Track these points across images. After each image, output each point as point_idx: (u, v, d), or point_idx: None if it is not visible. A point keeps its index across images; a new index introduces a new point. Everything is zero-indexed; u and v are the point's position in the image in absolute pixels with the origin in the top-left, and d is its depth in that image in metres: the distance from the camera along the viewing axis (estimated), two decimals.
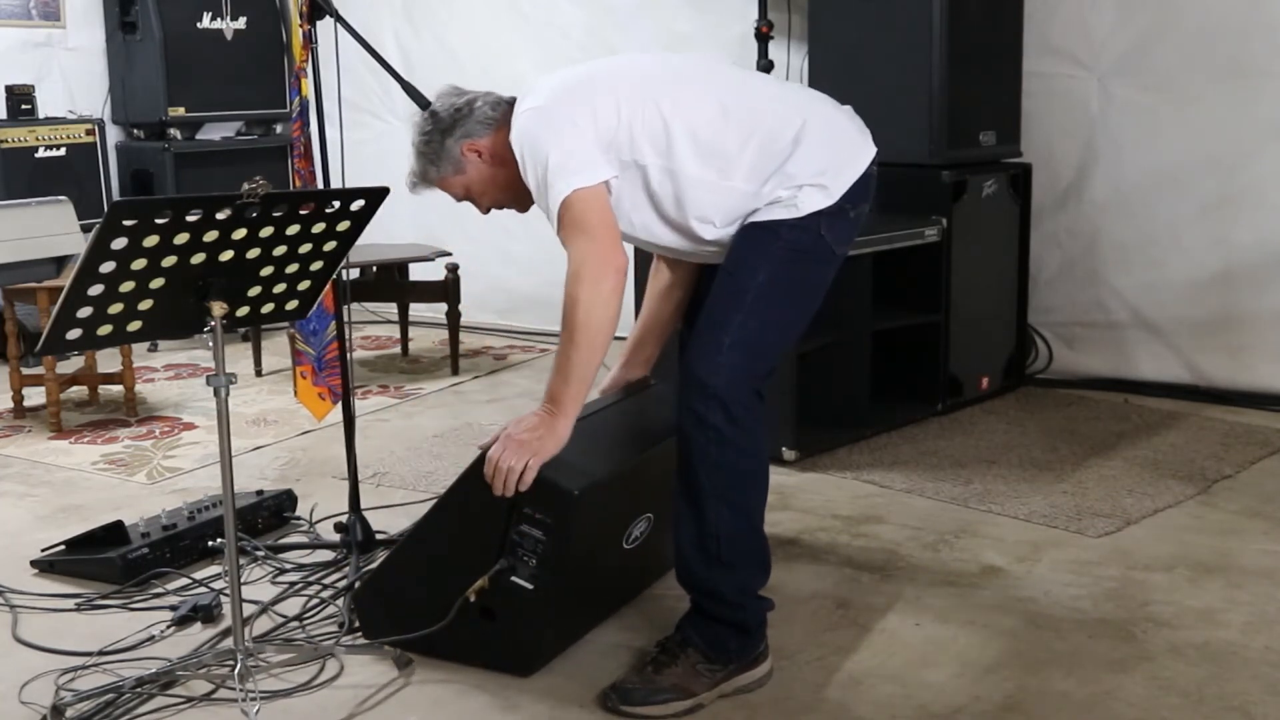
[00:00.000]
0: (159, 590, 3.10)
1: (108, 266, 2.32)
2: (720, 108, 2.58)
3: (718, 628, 2.59)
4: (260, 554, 3.28)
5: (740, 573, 2.59)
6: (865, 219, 2.71)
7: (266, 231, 2.50)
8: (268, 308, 2.66)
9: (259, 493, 3.59)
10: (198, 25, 6.17)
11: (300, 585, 3.12)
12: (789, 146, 2.57)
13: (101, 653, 2.76)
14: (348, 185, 2.77)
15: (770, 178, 2.57)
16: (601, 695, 2.55)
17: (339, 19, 3.25)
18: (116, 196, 6.10)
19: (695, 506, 2.56)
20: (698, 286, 2.90)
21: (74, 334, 2.40)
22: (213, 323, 2.50)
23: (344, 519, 3.34)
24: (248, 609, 2.90)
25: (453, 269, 5.28)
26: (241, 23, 6.31)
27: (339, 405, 3.41)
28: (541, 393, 2.71)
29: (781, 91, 2.74)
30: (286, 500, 3.60)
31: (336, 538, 3.34)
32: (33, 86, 5.91)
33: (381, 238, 5.24)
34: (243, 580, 2.95)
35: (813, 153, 2.58)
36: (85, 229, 4.78)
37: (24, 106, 5.83)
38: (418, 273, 5.63)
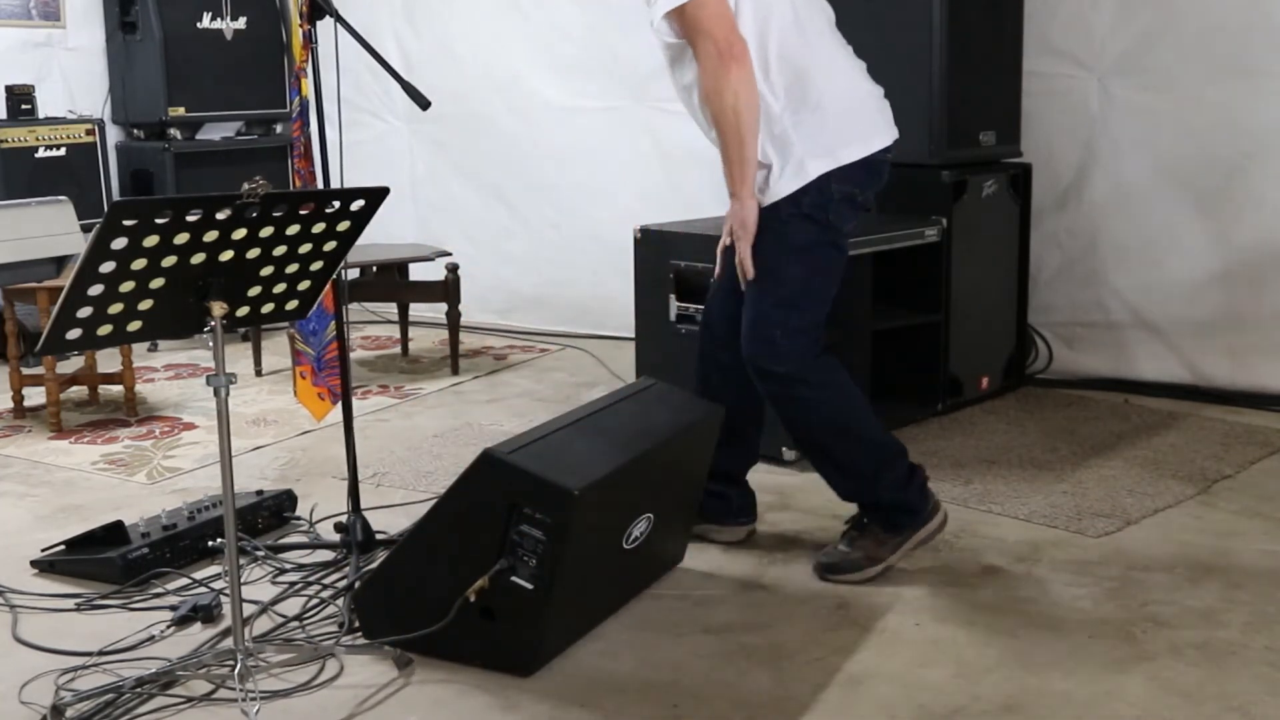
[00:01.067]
0: (159, 590, 3.10)
1: (108, 266, 2.32)
2: (792, 22, 2.94)
3: (888, 512, 3.11)
4: (260, 554, 3.28)
5: (885, 474, 3.10)
6: (870, 204, 3.06)
7: (266, 231, 2.50)
8: (268, 308, 2.66)
9: (259, 493, 3.59)
10: (197, 25, 6.18)
11: (300, 585, 3.12)
12: (813, 104, 2.93)
13: (101, 653, 2.76)
14: (348, 185, 2.77)
15: (788, 114, 2.91)
16: (814, 567, 3.13)
17: (339, 19, 3.25)
18: (116, 196, 6.10)
19: (824, 454, 3.11)
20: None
21: (74, 334, 2.40)
22: (213, 323, 2.50)
23: (344, 519, 3.34)
24: (248, 609, 2.90)
25: (453, 269, 5.28)
26: (241, 23, 6.31)
27: (339, 405, 3.41)
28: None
29: (837, 53, 3.09)
30: (286, 500, 3.60)
31: (336, 538, 3.34)
32: (33, 86, 5.91)
33: (381, 238, 5.25)
34: (243, 580, 2.95)
35: (826, 118, 2.95)
36: (85, 229, 4.79)
37: (24, 106, 5.83)
38: (417, 273, 5.63)
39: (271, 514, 3.53)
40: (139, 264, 2.35)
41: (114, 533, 3.23)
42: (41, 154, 5.80)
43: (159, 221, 2.32)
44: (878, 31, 4.56)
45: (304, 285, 2.69)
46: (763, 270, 3.01)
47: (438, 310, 5.51)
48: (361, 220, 2.65)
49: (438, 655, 2.69)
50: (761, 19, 2.92)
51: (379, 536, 3.31)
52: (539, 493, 2.53)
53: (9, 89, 5.82)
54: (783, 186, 2.97)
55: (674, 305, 4.15)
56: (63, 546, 3.25)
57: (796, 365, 3.03)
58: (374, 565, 3.01)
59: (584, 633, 2.83)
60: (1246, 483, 3.81)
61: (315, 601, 3.02)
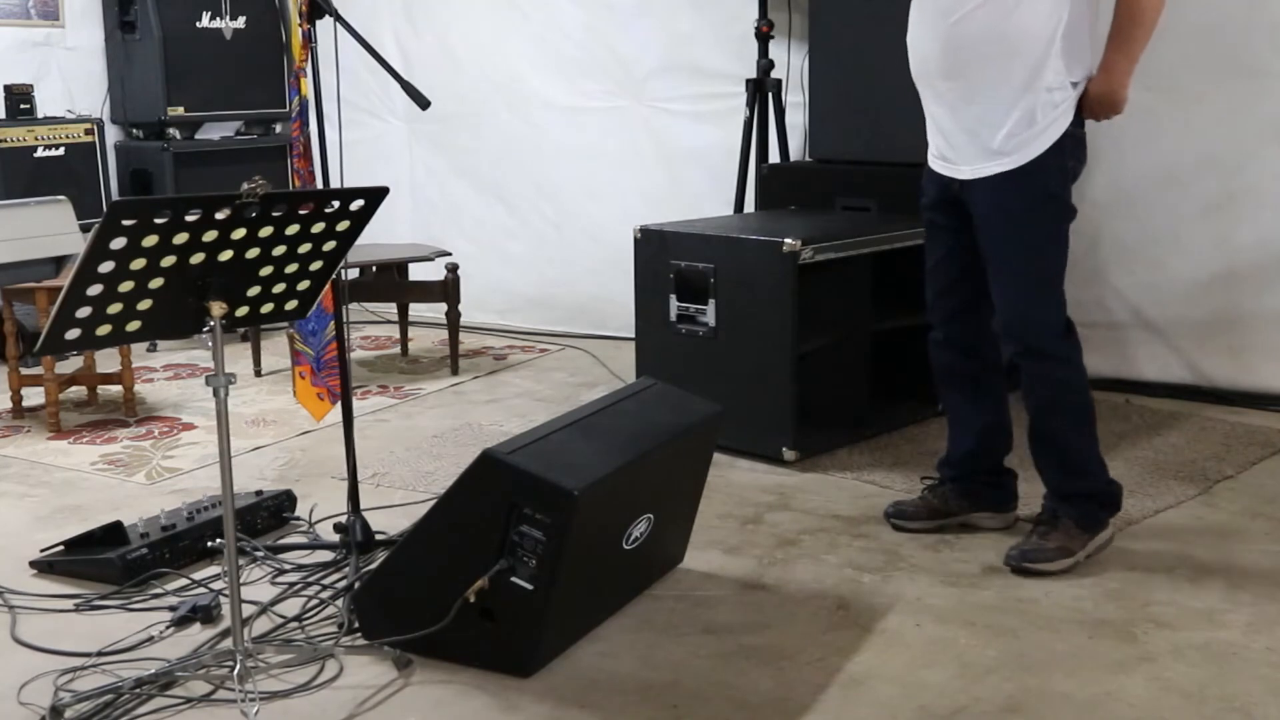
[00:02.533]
0: (158, 591, 3.09)
1: (106, 266, 2.32)
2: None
3: (1089, 506, 3.20)
4: (259, 554, 3.28)
5: (1097, 465, 3.23)
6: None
7: (266, 231, 2.49)
8: (267, 308, 2.66)
9: (258, 493, 3.58)
10: (197, 25, 6.17)
11: (300, 586, 3.11)
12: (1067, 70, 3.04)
13: (100, 653, 2.76)
14: (347, 185, 2.76)
15: (1067, 54, 3.01)
16: (1007, 557, 3.16)
17: (339, 19, 3.25)
18: (116, 196, 6.10)
19: (1054, 441, 3.19)
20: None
21: (73, 334, 2.39)
22: (212, 323, 2.49)
23: (343, 519, 3.34)
24: (247, 609, 2.89)
25: (452, 269, 5.28)
26: (241, 22, 6.30)
27: (338, 405, 3.41)
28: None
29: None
30: (286, 500, 3.59)
31: (336, 538, 3.34)
32: (32, 86, 5.90)
33: (381, 237, 5.25)
34: (242, 581, 2.95)
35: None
36: (84, 229, 4.78)
37: (23, 106, 5.82)
38: (417, 273, 5.62)
39: (271, 514, 3.52)
40: (138, 264, 2.34)
41: (113, 533, 3.23)
42: (40, 154, 5.79)
43: (158, 221, 2.31)
44: (878, 31, 4.56)
45: (303, 285, 2.69)
46: (1027, 244, 3.10)
47: (437, 310, 5.50)
48: (361, 220, 2.65)
49: (437, 655, 2.69)
50: None
51: (379, 537, 3.30)
52: (539, 493, 2.53)
53: (8, 88, 5.81)
54: (1048, 112, 3.04)
55: (674, 305, 4.15)
56: (62, 547, 3.25)
57: (1064, 344, 3.13)
58: (373, 566, 3.01)
59: (584, 633, 2.82)
60: (1248, 483, 3.80)
61: (315, 602, 3.01)
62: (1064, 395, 3.16)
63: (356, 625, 2.82)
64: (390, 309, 6.05)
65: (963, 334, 3.34)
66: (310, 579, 3.14)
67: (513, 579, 2.57)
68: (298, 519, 3.59)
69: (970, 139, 3.11)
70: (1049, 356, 3.14)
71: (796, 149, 5.27)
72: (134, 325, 2.46)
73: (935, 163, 3.27)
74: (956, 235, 3.25)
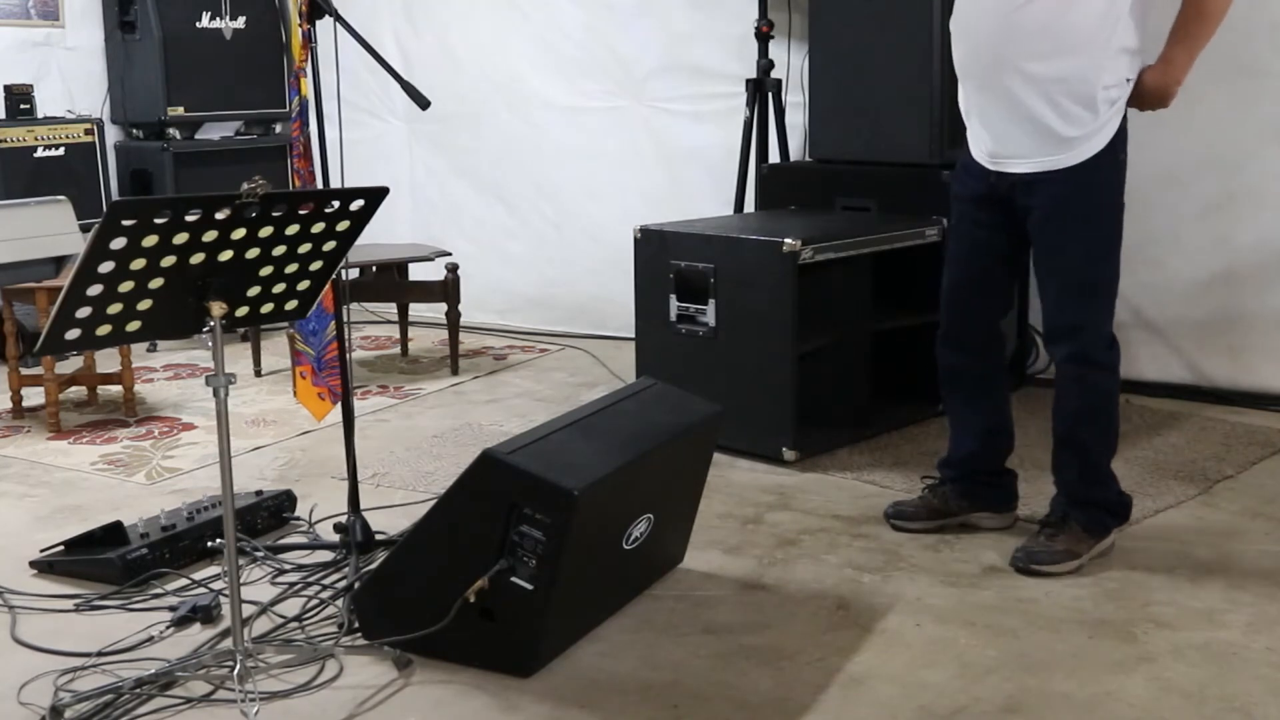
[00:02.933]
0: (158, 591, 3.09)
1: (106, 266, 2.32)
2: None
3: (1099, 513, 3.21)
4: (259, 554, 3.28)
5: (1110, 474, 3.25)
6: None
7: (266, 231, 2.49)
8: (267, 308, 2.66)
9: (258, 493, 3.58)
10: (197, 25, 6.17)
11: (300, 586, 3.11)
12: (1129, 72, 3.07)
13: (100, 653, 2.76)
14: (347, 185, 2.76)
15: (1126, 49, 3.02)
16: (1013, 558, 3.16)
17: (339, 19, 3.25)
18: (115, 196, 6.10)
19: (1079, 447, 3.19)
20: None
21: (73, 334, 2.39)
22: (212, 323, 2.49)
23: (343, 519, 3.34)
24: (247, 610, 2.89)
25: (452, 269, 5.28)
26: (241, 22, 6.30)
27: (338, 405, 3.41)
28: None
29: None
30: (286, 501, 3.59)
31: (336, 538, 3.34)
32: (31, 86, 5.90)
33: (381, 237, 5.25)
34: (242, 581, 2.94)
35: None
36: (84, 229, 4.78)
37: (23, 106, 5.82)
38: (417, 273, 5.62)
39: (271, 514, 3.52)
40: (138, 264, 2.34)
41: (113, 533, 3.23)
42: (40, 154, 5.79)
43: (158, 221, 2.31)
44: (878, 31, 4.57)
45: (303, 285, 2.69)
46: (1089, 250, 3.09)
47: (437, 310, 5.50)
48: (361, 220, 2.65)
49: (437, 656, 2.69)
50: None
51: (379, 537, 3.30)
52: (539, 493, 2.53)
53: (8, 88, 5.81)
54: (1104, 110, 3.03)
55: (674, 305, 4.15)
56: (62, 547, 3.25)
57: (1109, 354, 3.17)
58: (373, 566, 3.01)
59: (584, 633, 2.82)
60: (1248, 483, 3.80)
61: (315, 602, 3.01)
62: (1099, 404, 3.18)
63: (356, 625, 2.82)
64: (390, 309, 6.05)
65: (972, 332, 3.33)
66: (310, 579, 3.14)
67: (513, 579, 2.57)
68: (298, 519, 3.59)
69: (1025, 133, 3.05)
70: (1095, 365, 3.14)
71: (796, 149, 5.27)
72: (134, 325, 2.46)
73: (981, 157, 3.19)
74: (990, 232, 3.21)
